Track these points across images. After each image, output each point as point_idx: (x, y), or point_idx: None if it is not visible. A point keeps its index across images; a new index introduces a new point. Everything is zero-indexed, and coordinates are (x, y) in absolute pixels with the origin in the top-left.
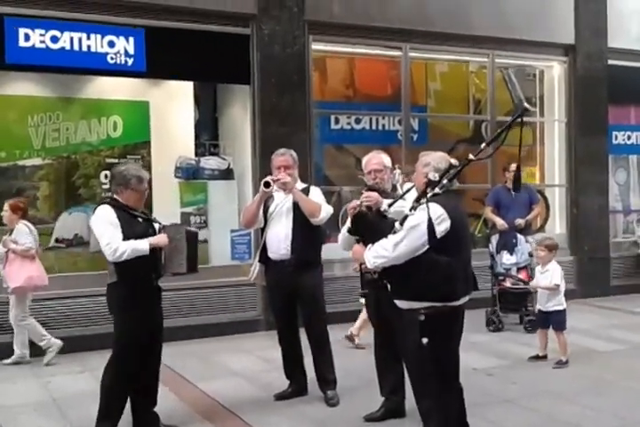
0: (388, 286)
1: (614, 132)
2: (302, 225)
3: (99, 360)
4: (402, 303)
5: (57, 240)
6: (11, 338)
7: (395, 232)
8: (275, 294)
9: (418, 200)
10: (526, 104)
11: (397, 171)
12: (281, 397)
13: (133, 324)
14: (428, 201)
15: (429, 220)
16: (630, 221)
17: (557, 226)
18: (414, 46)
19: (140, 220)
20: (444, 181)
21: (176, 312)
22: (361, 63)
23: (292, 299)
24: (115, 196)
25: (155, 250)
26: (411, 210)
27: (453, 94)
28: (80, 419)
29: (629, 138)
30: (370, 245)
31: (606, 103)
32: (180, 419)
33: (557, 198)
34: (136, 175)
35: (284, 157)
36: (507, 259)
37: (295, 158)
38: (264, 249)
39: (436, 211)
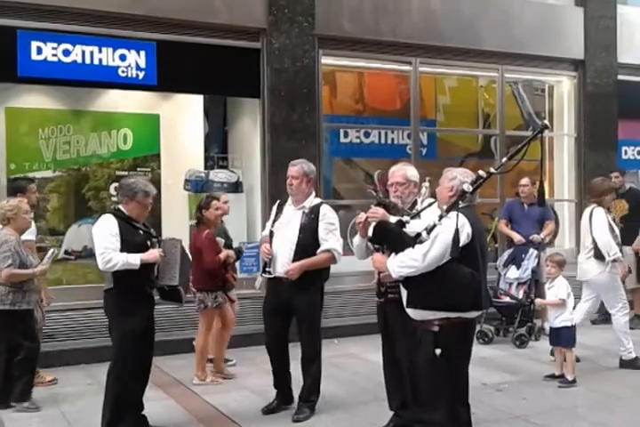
0: (403, 296)
1: (624, 148)
2: (306, 245)
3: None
4: (416, 313)
5: (66, 252)
6: None
7: (421, 242)
8: (269, 309)
9: (448, 211)
10: (545, 121)
11: (426, 184)
12: (269, 410)
13: (129, 328)
14: (458, 211)
15: (456, 229)
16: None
17: (567, 241)
18: (424, 61)
19: (141, 232)
20: (468, 195)
21: (184, 324)
22: (370, 77)
23: (286, 313)
24: (120, 206)
25: (147, 263)
26: (439, 219)
27: (463, 109)
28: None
29: (639, 153)
30: (393, 255)
31: (616, 118)
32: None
33: (567, 213)
34: (143, 189)
35: (294, 167)
36: (511, 273)
37: (307, 170)
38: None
39: (460, 219)
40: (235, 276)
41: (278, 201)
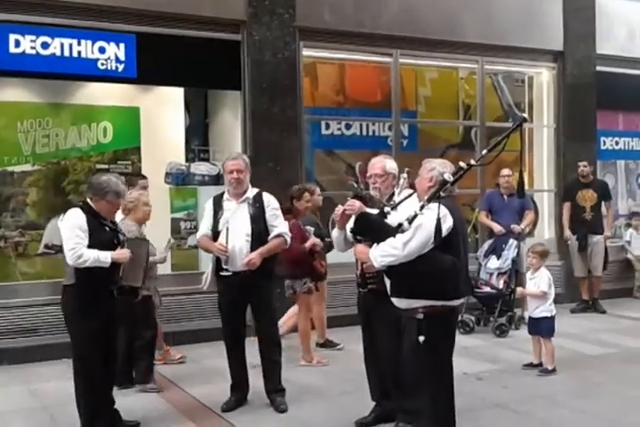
0: (387, 286)
1: (602, 138)
2: (260, 235)
3: None
4: (401, 302)
5: (46, 246)
6: None
7: (403, 231)
8: (226, 303)
9: (429, 201)
10: (524, 114)
11: (404, 175)
12: (228, 408)
13: (89, 327)
14: (440, 200)
15: (438, 218)
16: (618, 226)
17: (546, 231)
18: (404, 53)
19: (107, 228)
20: (448, 186)
21: (166, 318)
22: (351, 69)
23: (244, 309)
24: (88, 200)
25: (114, 262)
26: (420, 209)
27: (443, 100)
28: (71, 425)
29: (617, 144)
30: (375, 245)
31: (594, 109)
32: (166, 421)
33: (546, 203)
34: (115, 190)
35: (236, 160)
36: (491, 263)
37: (247, 163)
38: (218, 259)
39: (442, 211)
40: (323, 264)
41: (212, 198)
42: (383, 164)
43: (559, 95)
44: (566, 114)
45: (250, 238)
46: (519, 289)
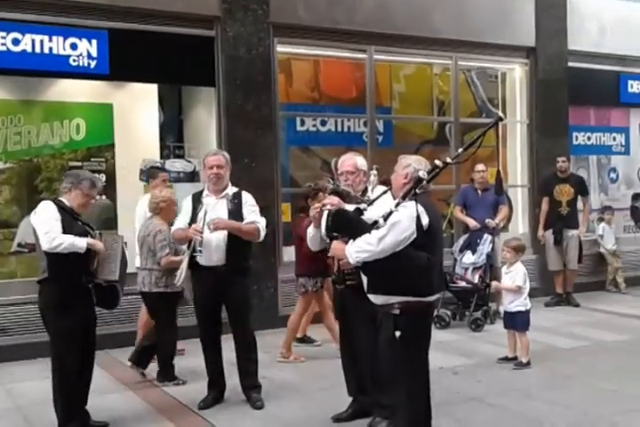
0: (364, 282)
1: (575, 133)
2: (236, 237)
3: None
4: (377, 298)
5: (19, 245)
6: None
7: (378, 228)
8: (202, 298)
9: (404, 198)
10: (500, 113)
11: (374, 172)
12: (205, 406)
13: (67, 324)
14: (416, 197)
15: (417, 214)
16: (591, 220)
17: (520, 225)
18: (379, 49)
19: (80, 223)
20: (424, 183)
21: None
22: (326, 65)
23: (219, 305)
24: (60, 197)
25: (88, 252)
26: (396, 206)
27: (417, 96)
28: (45, 426)
29: (589, 139)
30: (351, 241)
31: (567, 105)
32: (143, 419)
33: (520, 198)
34: (90, 178)
35: (216, 156)
36: (467, 258)
37: (228, 159)
38: (193, 252)
39: (418, 208)
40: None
41: (191, 195)
42: (354, 161)
43: (532, 91)
44: (539, 109)
45: (226, 232)
46: (494, 283)
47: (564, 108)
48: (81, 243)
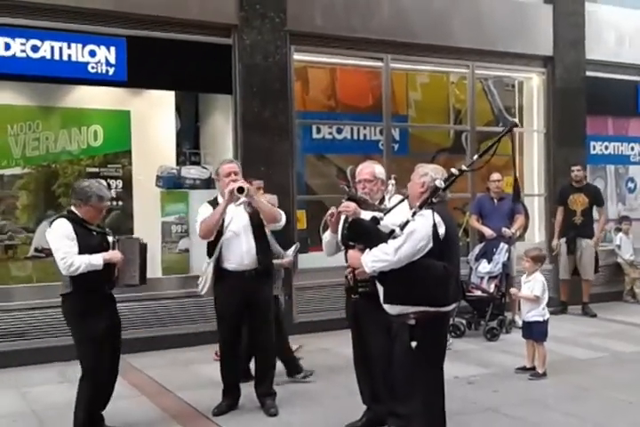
0: (380, 293)
1: (592, 143)
2: (260, 236)
3: (78, 371)
4: (392, 308)
5: (36, 250)
6: None
7: (395, 237)
8: (229, 304)
9: (421, 207)
10: (515, 119)
11: (392, 181)
12: (219, 412)
13: (91, 331)
14: (433, 206)
15: (434, 224)
16: (608, 230)
17: (537, 235)
18: (395, 57)
19: (95, 233)
20: (440, 192)
21: (157, 321)
22: (342, 73)
23: (243, 310)
24: (72, 208)
25: (108, 263)
26: (412, 215)
27: (434, 105)
28: None
29: (607, 148)
30: (367, 250)
31: (584, 114)
32: (156, 425)
33: (537, 208)
34: (97, 194)
35: (232, 163)
36: (483, 267)
37: (240, 167)
38: (219, 258)
39: (435, 217)
40: None
41: (207, 203)
42: (372, 169)
43: (549, 100)
44: (556, 119)
45: (250, 228)
46: (513, 290)
47: (581, 117)
48: (97, 261)
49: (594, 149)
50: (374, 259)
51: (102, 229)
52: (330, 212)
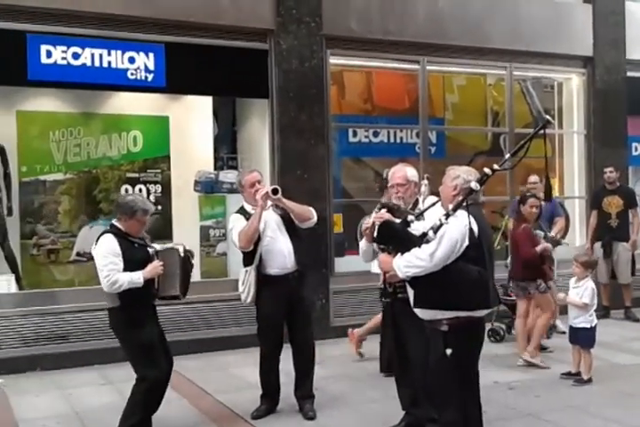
0: (410, 296)
1: (634, 144)
2: (296, 237)
3: (120, 373)
4: (424, 313)
5: (78, 254)
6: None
7: (428, 241)
8: (276, 312)
9: (454, 210)
10: (548, 116)
11: (425, 181)
12: (258, 415)
13: (140, 341)
14: (468, 208)
15: (470, 226)
16: None
17: (577, 238)
18: (432, 60)
19: (137, 245)
20: (474, 194)
21: (195, 325)
22: (378, 77)
23: (285, 316)
24: (116, 222)
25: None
26: (446, 218)
27: (471, 107)
28: None
29: None
30: (399, 255)
31: (625, 115)
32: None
33: (577, 210)
34: (142, 208)
35: (255, 173)
36: None
37: (262, 175)
38: (260, 263)
39: (470, 219)
40: (552, 268)
41: (236, 213)
42: (404, 173)
43: (589, 101)
44: (597, 120)
45: (285, 230)
46: (561, 295)
47: (622, 118)
48: (138, 279)
49: (635, 149)
50: (407, 264)
51: (143, 242)
52: (365, 222)
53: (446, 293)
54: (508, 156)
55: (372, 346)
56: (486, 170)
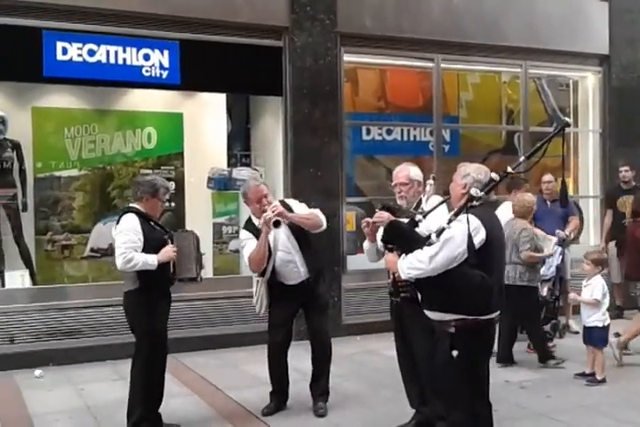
0: (419, 297)
1: None
2: (307, 244)
3: None
4: (433, 315)
5: (92, 250)
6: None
7: (430, 244)
8: (286, 313)
9: (457, 214)
10: (567, 118)
11: (430, 181)
12: (269, 412)
13: (154, 326)
14: (468, 213)
15: (469, 234)
16: None
17: (592, 237)
18: (446, 57)
19: (156, 227)
20: (482, 195)
21: (207, 321)
22: (392, 74)
23: (295, 316)
24: (135, 204)
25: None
26: (448, 222)
27: (486, 105)
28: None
29: None
30: (403, 255)
31: None
32: (208, 424)
33: (592, 209)
34: (164, 186)
35: (259, 186)
36: None
37: (267, 186)
38: (273, 273)
39: (473, 222)
40: None
41: (244, 229)
42: (407, 172)
43: (605, 100)
44: (612, 118)
45: (294, 238)
46: (572, 295)
47: (638, 116)
48: (152, 261)
49: None
50: (409, 266)
51: (161, 225)
52: (364, 222)
53: (450, 296)
54: (522, 158)
55: (384, 344)
56: (494, 175)
